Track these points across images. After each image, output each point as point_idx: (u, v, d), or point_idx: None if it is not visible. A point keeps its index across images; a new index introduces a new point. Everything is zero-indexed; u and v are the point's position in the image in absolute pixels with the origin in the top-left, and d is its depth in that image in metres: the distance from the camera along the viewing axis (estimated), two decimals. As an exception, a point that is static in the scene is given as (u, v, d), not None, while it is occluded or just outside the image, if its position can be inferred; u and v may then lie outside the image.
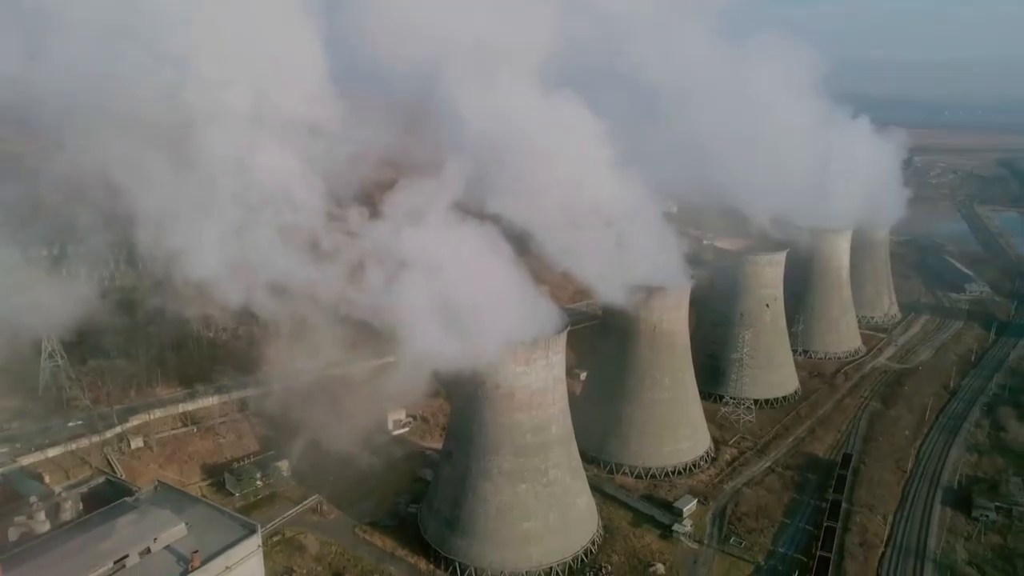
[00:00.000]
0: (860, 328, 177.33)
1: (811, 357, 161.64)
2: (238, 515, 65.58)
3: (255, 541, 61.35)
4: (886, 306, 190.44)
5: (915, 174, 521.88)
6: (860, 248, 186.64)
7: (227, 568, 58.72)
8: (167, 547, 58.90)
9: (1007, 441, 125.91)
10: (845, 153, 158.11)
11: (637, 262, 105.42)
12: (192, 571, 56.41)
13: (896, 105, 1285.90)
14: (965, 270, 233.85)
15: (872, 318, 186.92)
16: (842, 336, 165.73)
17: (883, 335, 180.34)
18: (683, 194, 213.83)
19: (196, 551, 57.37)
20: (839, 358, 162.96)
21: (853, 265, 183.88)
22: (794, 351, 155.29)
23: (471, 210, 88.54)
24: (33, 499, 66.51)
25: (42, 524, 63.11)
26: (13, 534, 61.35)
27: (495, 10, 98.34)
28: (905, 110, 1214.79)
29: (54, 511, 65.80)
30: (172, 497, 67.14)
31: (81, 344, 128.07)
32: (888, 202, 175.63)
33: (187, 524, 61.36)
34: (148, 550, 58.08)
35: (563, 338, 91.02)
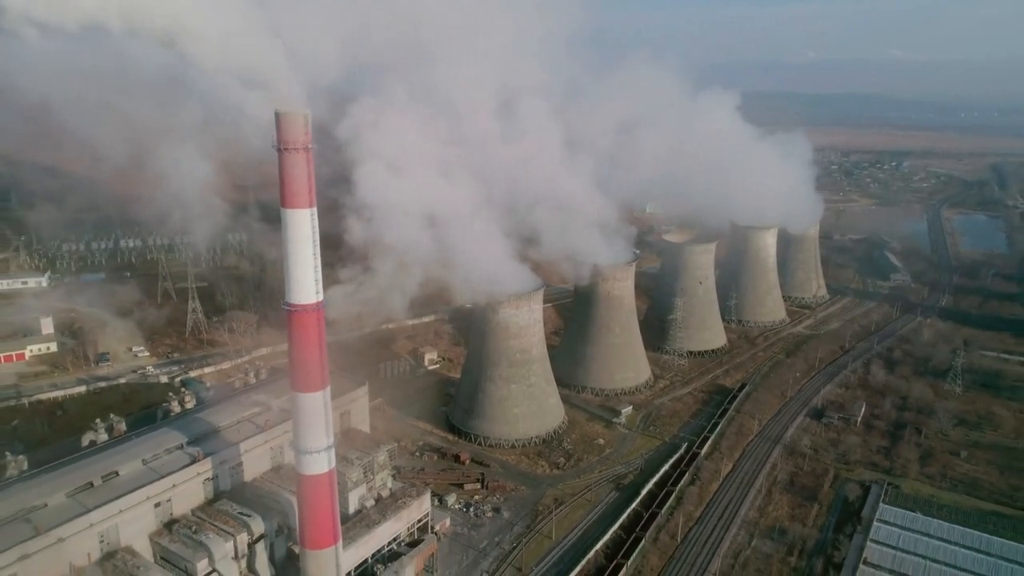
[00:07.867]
0: (790, 306, 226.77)
1: (743, 325, 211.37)
2: (353, 376, 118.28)
3: (364, 389, 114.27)
4: (814, 289, 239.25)
5: (900, 179, 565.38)
6: (794, 242, 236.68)
7: (351, 401, 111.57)
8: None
9: (870, 382, 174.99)
10: (770, 170, 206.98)
11: (595, 247, 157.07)
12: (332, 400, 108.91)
13: (913, 106, 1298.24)
14: (895, 262, 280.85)
15: (802, 298, 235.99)
16: (768, 309, 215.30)
17: (808, 311, 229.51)
18: (660, 200, 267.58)
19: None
20: (765, 326, 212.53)
21: (787, 255, 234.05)
22: (729, 320, 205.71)
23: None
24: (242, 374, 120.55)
25: (252, 379, 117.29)
26: (238, 383, 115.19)
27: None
28: (922, 111, 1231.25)
29: (255, 376, 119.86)
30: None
31: (210, 301, 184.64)
32: (809, 208, 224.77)
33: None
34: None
35: (540, 293, 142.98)
